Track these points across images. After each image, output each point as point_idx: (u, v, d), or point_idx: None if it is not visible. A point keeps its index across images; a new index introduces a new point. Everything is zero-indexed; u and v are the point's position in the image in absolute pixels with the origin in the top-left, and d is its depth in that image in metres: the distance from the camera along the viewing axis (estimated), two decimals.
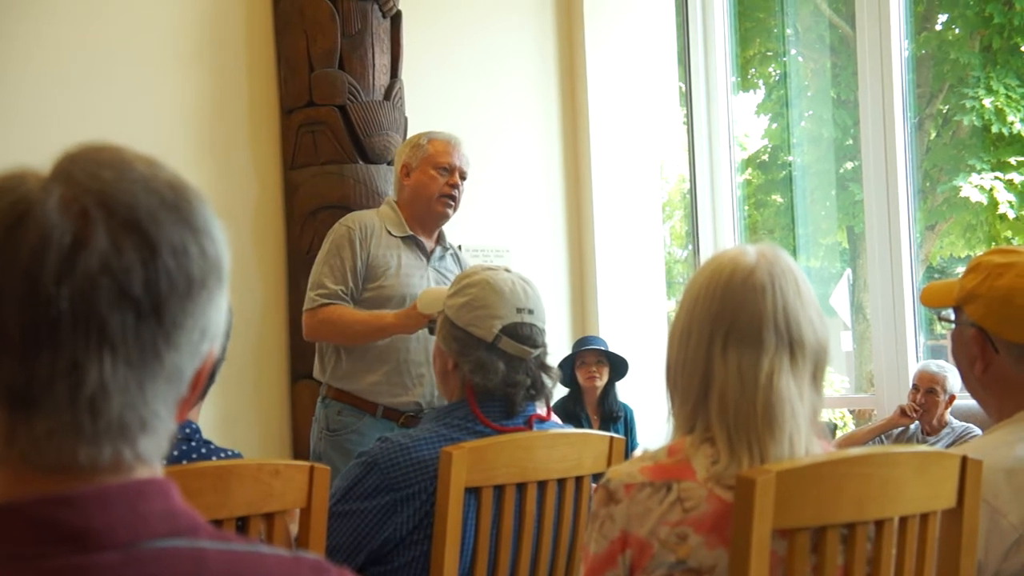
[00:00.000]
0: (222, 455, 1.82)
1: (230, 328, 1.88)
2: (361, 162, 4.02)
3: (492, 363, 2.01)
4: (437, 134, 3.33)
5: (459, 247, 3.46)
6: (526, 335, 2.04)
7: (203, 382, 0.80)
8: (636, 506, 1.41)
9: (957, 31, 6.65)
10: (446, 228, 3.24)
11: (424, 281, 3.22)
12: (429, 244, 3.28)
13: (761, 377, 1.40)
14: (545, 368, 2.09)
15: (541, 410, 2.11)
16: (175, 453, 1.75)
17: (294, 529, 1.82)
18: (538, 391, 2.08)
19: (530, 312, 2.05)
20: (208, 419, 2.22)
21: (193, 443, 1.79)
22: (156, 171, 0.77)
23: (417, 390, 3.17)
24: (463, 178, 3.27)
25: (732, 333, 1.42)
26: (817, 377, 1.46)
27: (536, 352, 2.06)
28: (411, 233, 3.23)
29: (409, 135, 4.19)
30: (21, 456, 0.73)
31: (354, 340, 3.14)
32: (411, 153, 3.28)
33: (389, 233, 3.21)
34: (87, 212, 0.72)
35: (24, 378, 0.71)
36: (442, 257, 3.30)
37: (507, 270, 2.10)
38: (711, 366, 1.43)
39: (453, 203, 3.25)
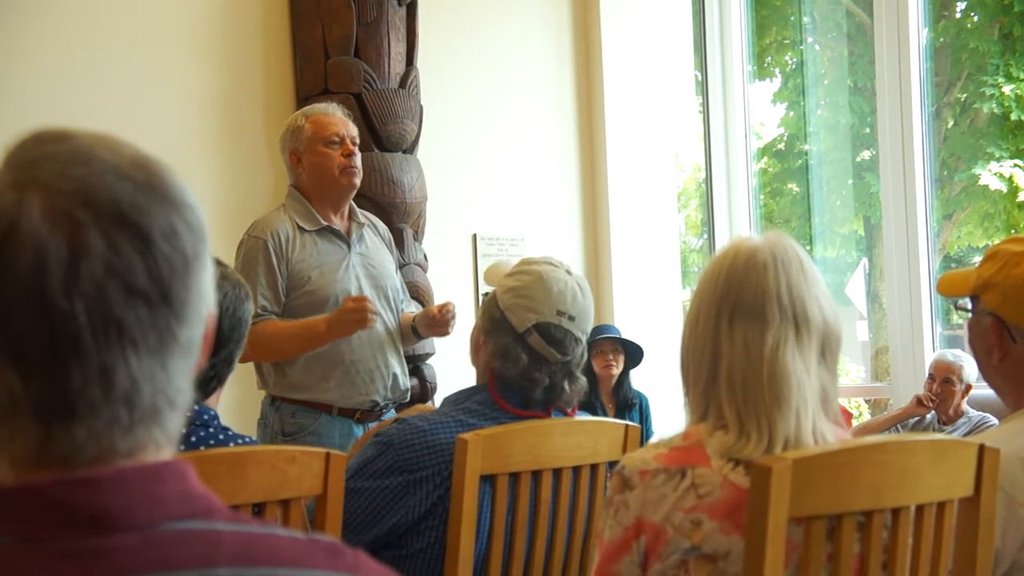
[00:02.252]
0: (239, 441, 1.82)
1: (247, 316, 1.88)
2: (376, 150, 4.02)
3: (515, 353, 2.00)
4: (312, 110, 3.19)
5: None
6: (558, 339, 2.01)
7: (210, 343, 0.81)
8: (651, 492, 1.42)
9: (976, 19, 6.60)
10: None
11: (350, 272, 3.09)
12: (343, 226, 3.14)
13: (766, 350, 1.42)
14: (571, 376, 2.06)
15: (566, 408, 2.09)
16: (193, 439, 1.76)
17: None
18: (555, 395, 2.05)
19: (571, 319, 2.01)
20: (225, 407, 2.23)
21: (211, 429, 1.80)
22: (118, 152, 0.76)
23: (370, 387, 3.08)
24: (355, 144, 3.12)
25: (737, 310, 1.44)
26: (827, 357, 1.47)
27: (564, 359, 2.03)
28: (325, 224, 3.09)
29: (425, 123, 4.19)
30: (58, 458, 0.73)
31: (290, 355, 3.01)
32: (294, 138, 3.13)
33: (303, 230, 3.07)
34: (74, 217, 0.71)
35: (56, 391, 0.71)
36: (360, 238, 3.17)
37: (568, 271, 2.06)
38: (718, 344, 1.45)
39: (356, 170, 3.08)
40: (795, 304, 1.44)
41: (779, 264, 1.45)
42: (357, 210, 3.22)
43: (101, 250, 0.71)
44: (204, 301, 0.78)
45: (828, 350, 1.47)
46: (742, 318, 1.44)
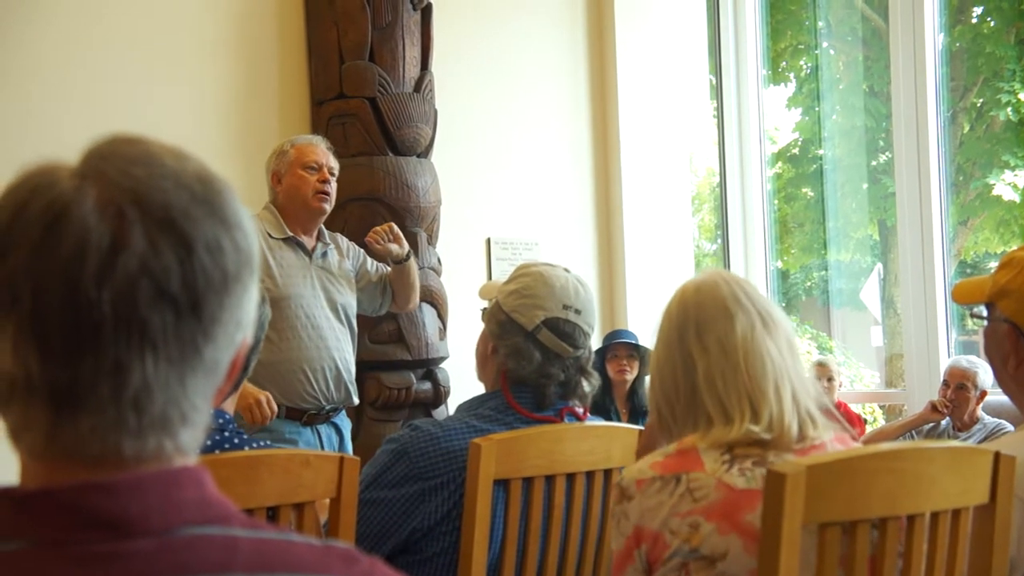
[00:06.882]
0: (254, 445, 1.83)
1: (265, 320, 1.90)
2: (391, 154, 4.03)
3: (528, 352, 2.01)
4: (299, 138, 3.45)
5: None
6: (567, 332, 2.02)
7: (238, 371, 0.81)
8: (648, 500, 1.45)
9: (993, 23, 6.58)
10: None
11: (308, 281, 3.29)
12: (309, 243, 3.35)
13: (737, 340, 1.50)
14: (584, 371, 2.07)
15: (578, 409, 2.10)
16: (208, 443, 1.77)
17: (323, 518, 1.83)
18: (570, 391, 2.06)
19: (577, 312, 2.03)
20: None
21: (226, 433, 1.80)
22: (184, 164, 0.77)
23: (312, 389, 3.24)
24: (332, 174, 3.35)
25: (702, 322, 1.52)
26: (795, 356, 1.54)
27: (576, 353, 2.04)
28: (291, 234, 3.31)
29: (439, 127, 4.21)
30: (64, 451, 0.73)
31: None
32: (279, 161, 3.37)
33: (269, 235, 3.27)
34: (123, 212, 0.72)
35: (68, 379, 0.72)
36: (324, 254, 3.37)
37: (566, 270, 2.09)
38: (690, 358, 1.52)
39: (328, 197, 3.33)
40: (756, 303, 1.53)
41: (730, 280, 1.55)
42: (326, 232, 3.43)
43: (141, 248, 0.72)
44: (240, 326, 0.78)
45: (793, 350, 1.54)
46: (709, 326, 1.51)
